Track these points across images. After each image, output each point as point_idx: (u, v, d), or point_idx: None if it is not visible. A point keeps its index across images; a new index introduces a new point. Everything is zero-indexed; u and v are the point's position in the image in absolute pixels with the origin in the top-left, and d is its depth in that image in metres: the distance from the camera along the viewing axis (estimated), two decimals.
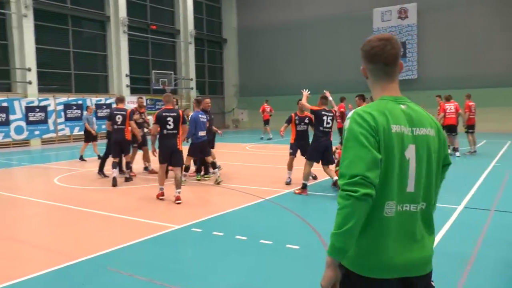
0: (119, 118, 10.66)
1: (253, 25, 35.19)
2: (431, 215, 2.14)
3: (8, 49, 22.37)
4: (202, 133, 10.20)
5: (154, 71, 28.54)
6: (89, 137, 15.59)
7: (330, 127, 8.90)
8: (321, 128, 8.87)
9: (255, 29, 35.09)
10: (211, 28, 35.97)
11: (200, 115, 10.22)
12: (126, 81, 27.07)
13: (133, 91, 27.34)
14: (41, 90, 23.09)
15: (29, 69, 22.28)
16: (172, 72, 29.95)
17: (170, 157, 8.52)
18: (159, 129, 8.56)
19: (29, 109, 22.24)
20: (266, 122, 23.51)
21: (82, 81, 25.67)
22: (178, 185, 8.33)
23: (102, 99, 25.87)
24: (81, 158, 15.43)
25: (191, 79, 31.95)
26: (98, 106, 25.49)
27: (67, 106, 24.03)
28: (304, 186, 8.81)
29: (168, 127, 8.44)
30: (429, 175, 2.08)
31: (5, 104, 21.42)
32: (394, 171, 1.99)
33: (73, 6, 25.00)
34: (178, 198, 8.27)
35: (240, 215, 7.50)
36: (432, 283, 2.19)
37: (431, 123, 2.13)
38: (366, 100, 9.31)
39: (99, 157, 15.38)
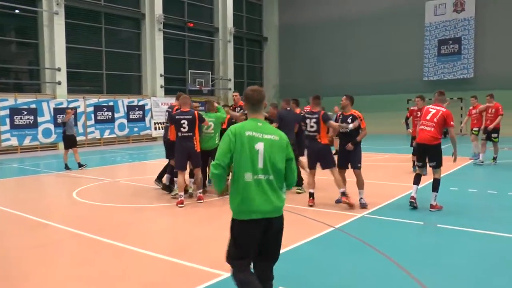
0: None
1: (295, 22, 33.14)
2: (279, 183, 3.54)
3: (38, 48, 21.15)
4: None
5: (190, 71, 26.90)
6: (68, 142, 13.74)
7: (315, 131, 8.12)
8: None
9: (297, 26, 33.02)
10: (251, 26, 34.08)
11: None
12: (160, 81, 25.48)
13: (168, 92, 25.73)
14: (70, 91, 21.73)
15: (59, 69, 20.95)
16: (209, 72, 28.25)
17: (187, 160, 8.35)
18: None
19: (58, 110, 20.84)
20: None
21: (114, 81, 24.23)
22: (199, 186, 8.36)
23: (135, 100, 24.33)
24: (67, 167, 13.61)
25: (229, 80, 30.14)
26: (130, 107, 24.00)
27: (98, 108, 22.58)
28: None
29: (182, 129, 8.19)
30: (273, 160, 3.48)
31: (33, 105, 20.15)
32: (247, 156, 3.44)
33: (106, 3, 23.62)
34: (200, 198, 8.27)
35: (308, 254, 5.36)
36: (282, 221, 3.62)
37: (275, 133, 3.59)
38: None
39: (80, 165, 13.67)
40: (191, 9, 28.58)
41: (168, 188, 9.22)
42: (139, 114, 24.46)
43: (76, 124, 21.61)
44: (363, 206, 7.58)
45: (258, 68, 35.23)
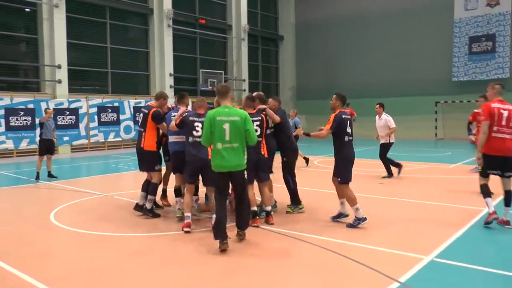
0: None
1: (313, 20, 31.22)
2: (240, 149, 5.62)
3: (37, 44, 19.54)
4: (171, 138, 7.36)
5: (202, 70, 25.11)
6: (44, 147, 12.06)
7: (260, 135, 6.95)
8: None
9: (315, 24, 31.10)
10: (266, 23, 32.20)
11: (172, 112, 7.57)
12: (169, 81, 23.72)
13: (178, 93, 23.90)
14: (71, 91, 20.09)
15: (59, 67, 19.33)
16: (222, 71, 26.41)
17: (199, 172, 6.68)
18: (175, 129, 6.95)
19: (58, 111, 19.18)
20: None
21: (119, 81, 22.52)
22: (212, 208, 6.57)
23: (142, 101, 22.57)
24: (38, 177, 11.91)
25: (244, 80, 28.29)
26: (137, 109, 22.29)
27: (101, 109, 20.90)
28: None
29: (194, 133, 6.64)
30: (236, 134, 5.54)
31: (31, 105, 18.54)
32: (218, 132, 5.50)
33: None
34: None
35: None
36: (243, 173, 5.78)
37: (237, 114, 5.61)
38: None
39: (50, 175, 11.96)
40: (202, 4, 26.81)
41: (150, 211, 7.45)
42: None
43: (78, 126, 20.07)
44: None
45: (274, 68, 33.36)
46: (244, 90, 28.01)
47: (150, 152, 7.45)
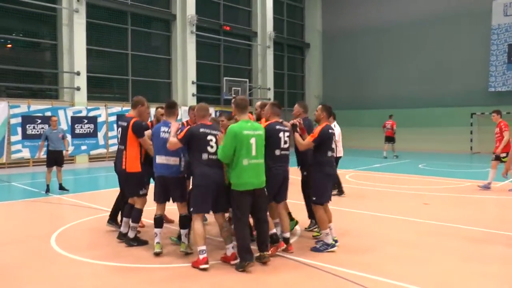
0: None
1: (341, 27, 30.12)
2: (263, 164, 5.39)
3: (56, 50, 18.94)
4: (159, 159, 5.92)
5: (225, 78, 24.24)
6: (52, 159, 11.04)
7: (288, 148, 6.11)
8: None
9: (342, 32, 29.99)
10: (292, 31, 31.21)
11: (162, 127, 5.93)
12: (192, 89, 22.90)
13: (200, 101, 23.05)
14: (90, 98, 19.39)
15: (78, 73, 18.67)
16: (246, 80, 25.53)
17: (215, 197, 5.39)
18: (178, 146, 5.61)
19: (76, 119, 18.53)
20: (387, 139, 20.69)
21: (140, 88, 21.67)
22: (229, 237, 5.51)
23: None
24: (48, 190, 11.00)
25: (269, 89, 27.28)
26: None
27: (121, 118, 20.07)
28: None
29: (210, 150, 5.41)
30: (260, 149, 5.33)
31: (48, 113, 17.82)
32: (244, 148, 5.15)
33: (134, 2, 21.28)
34: (232, 258, 5.39)
35: None
36: (265, 190, 5.43)
37: (260, 128, 5.45)
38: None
39: (61, 187, 11.03)
40: (227, 11, 25.98)
41: (133, 240, 6.23)
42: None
43: (96, 135, 19.33)
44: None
45: (300, 77, 32.30)
46: (269, 99, 27.00)
47: (134, 174, 6.20)
